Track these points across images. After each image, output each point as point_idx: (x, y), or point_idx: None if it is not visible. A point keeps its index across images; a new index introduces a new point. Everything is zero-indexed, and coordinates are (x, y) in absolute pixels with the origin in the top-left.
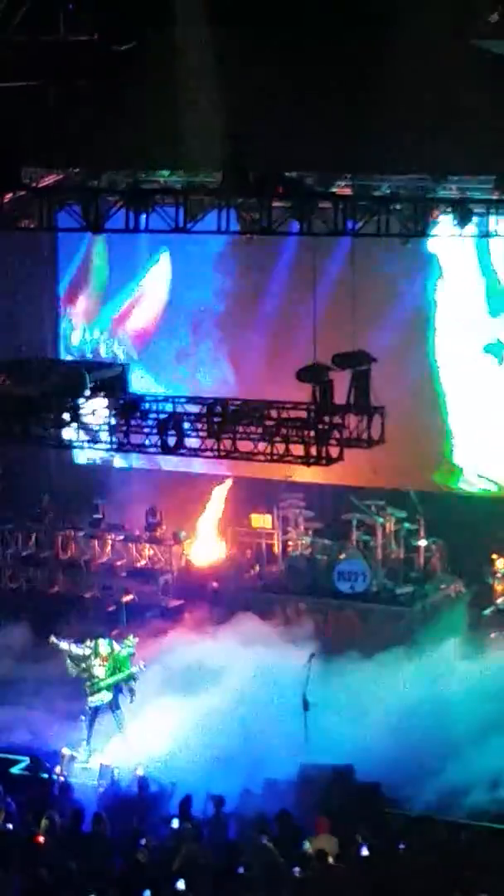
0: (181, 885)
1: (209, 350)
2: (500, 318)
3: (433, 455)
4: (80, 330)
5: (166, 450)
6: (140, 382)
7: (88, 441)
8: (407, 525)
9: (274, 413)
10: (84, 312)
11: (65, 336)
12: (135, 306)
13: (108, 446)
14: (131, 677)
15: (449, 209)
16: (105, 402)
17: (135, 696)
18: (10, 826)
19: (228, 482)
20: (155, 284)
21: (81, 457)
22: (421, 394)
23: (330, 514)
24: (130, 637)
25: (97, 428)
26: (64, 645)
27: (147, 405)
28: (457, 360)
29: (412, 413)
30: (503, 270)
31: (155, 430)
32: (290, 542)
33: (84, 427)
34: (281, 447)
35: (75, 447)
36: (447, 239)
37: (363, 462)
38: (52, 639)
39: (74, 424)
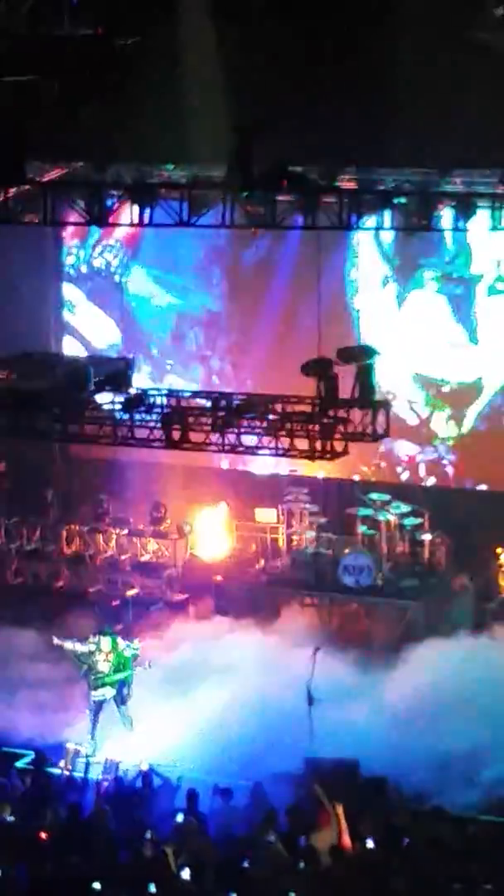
0: (186, 874)
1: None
2: None
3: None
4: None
5: (171, 444)
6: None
7: (93, 436)
8: (412, 519)
9: (278, 407)
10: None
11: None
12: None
13: (113, 440)
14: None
15: (453, 203)
16: (110, 396)
17: (130, 697)
18: (15, 820)
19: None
20: None
21: (86, 451)
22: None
23: (335, 508)
24: (136, 641)
25: (102, 422)
26: (68, 645)
27: (152, 399)
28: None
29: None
30: None
31: (159, 425)
32: (294, 537)
33: (89, 421)
34: (286, 441)
35: (80, 442)
36: None
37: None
38: (56, 639)
39: (79, 419)
